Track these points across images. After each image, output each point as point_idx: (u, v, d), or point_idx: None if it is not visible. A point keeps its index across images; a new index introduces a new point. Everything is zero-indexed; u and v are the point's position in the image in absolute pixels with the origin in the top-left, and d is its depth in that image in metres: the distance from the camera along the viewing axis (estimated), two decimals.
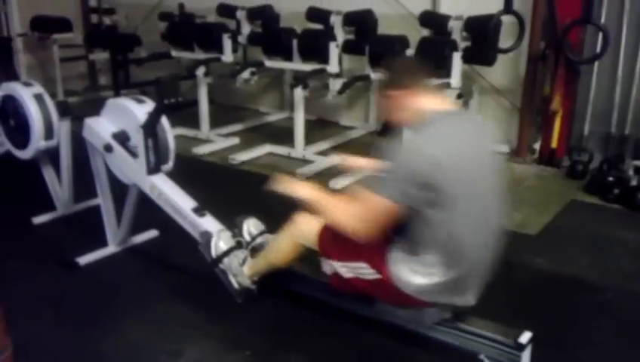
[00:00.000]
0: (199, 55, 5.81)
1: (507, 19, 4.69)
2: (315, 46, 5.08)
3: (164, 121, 3.07)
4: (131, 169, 3.00)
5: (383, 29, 5.28)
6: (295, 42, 5.16)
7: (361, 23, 5.34)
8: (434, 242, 1.99)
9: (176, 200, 2.89)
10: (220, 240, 2.76)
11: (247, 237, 2.85)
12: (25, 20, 7.09)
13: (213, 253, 2.74)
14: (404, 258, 2.09)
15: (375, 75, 4.88)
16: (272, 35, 5.60)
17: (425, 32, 5.04)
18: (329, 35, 5.21)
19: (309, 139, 5.29)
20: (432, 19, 5.08)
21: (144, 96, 3.15)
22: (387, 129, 2.29)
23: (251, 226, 2.90)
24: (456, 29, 4.88)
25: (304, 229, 2.38)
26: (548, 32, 4.78)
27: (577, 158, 4.79)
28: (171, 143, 3.12)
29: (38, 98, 3.45)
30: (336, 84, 5.02)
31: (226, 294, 2.71)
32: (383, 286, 2.14)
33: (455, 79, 4.48)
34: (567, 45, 4.58)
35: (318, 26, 5.46)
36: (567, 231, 3.75)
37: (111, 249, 3.32)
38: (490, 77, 5.30)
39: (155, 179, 2.95)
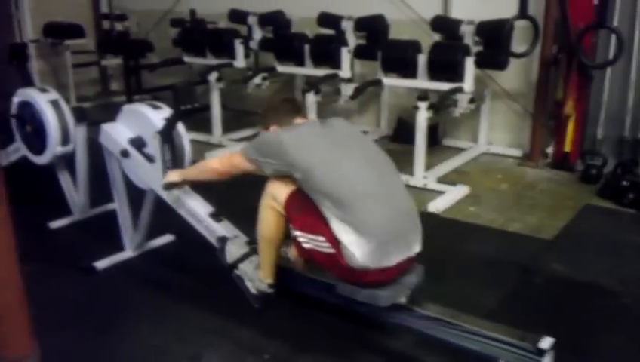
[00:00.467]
0: (211, 61, 5.85)
1: (518, 24, 4.69)
2: (327, 51, 5.10)
3: (181, 126, 3.09)
4: (148, 174, 3.02)
5: (395, 34, 5.29)
6: (307, 47, 5.18)
7: (373, 28, 5.35)
8: (322, 195, 2.29)
9: (193, 205, 2.91)
10: (235, 246, 2.78)
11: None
12: (37, 27, 7.16)
13: (229, 258, 2.75)
14: (335, 227, 2.26)
15: (387, 80, 4.88)
16: (283, 41, 5.62)
17: (436, 37, 5.05)
18: (341, 40, 5.22)
19: None
20: (443, 24, 5.09)
21: (160, 102, 3.17)
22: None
23: None
24: (468, 33, 4.89)
25: (274, 194, 2.50)
26: (560, 36, 4.78)
27: (591, 162, 4.77)
28: (187, 149, 3.13)
29: (55, 104, 3.48)
30: (348, 89, 5.03)
31: (243, 298, 2.72)
32: (335, 260, 2.27)
33: (468, 84, 4.48)
34: (581, 50, 4.57)
35: (330, 32, 5.47)
36: (582, 235, 3.74)
37: (128, 253, 3.33)
38: (502, 81, 5.30)
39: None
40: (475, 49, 4.80)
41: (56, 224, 3.75)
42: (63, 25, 7.08)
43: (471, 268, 3.26)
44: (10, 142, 3.83)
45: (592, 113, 4.98)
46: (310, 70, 5.28)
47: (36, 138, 3.54)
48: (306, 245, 2.37)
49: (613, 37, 4.55)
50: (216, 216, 2.88)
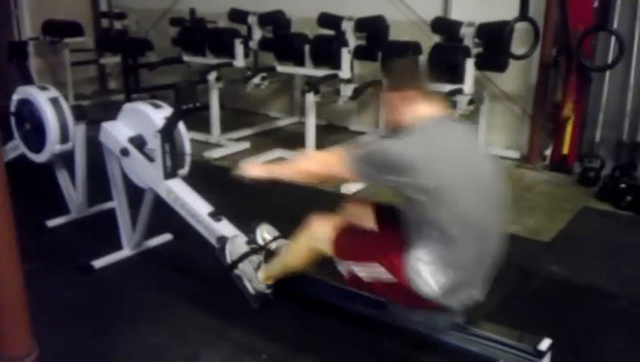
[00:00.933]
0: (211, 60, 5.84)
1: (518, 26, 4.69)
2: (327, 51, 5.09)
3: (181, 125, 3.09)
4: (147, 173, 3.01)
5: (395, 35, 5.28)
6: (307, 48, 5.18)
7: (373, 28, 5.34)
8: (431, 229, 2.05)
9: (193, 204, 2.91)
10: (236, 246, 2.78)
11: (261, 243, 2.86)
12: (36, 25, 7.15)
13: (229, 258, 2.75)
14: (415, 255, 2.10)
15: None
16: (283, 41, 5.62)
17: (436, 38, 5.05)
18: (341, 40, 5.22)
19: (319, 144, 5.29)
20: (444, 26, 5.09)
21: (161, 101, 3.17)
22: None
23: (265, 232, 2.92)
24: (468, 35, 4.89)
25: (319, 233, 2.40)
26: (560, 38, 4.79)
27: (589, 165, 4.78)
28: (187, 148, 3.13)
29: (54, 102, 3.47)
30: (347, 90, 5.03)
31: (241, 298, 2.72)
32: (398, 288, 2.15)
33: (468, 85, 4.48)
34: (581, 52, 4.58)
35: (330, 32, 5.47)
36: (580, 238, 3.75)
37: (126, 252, 3.33)
38: (501, 83, 5.30)
39: (172, 183, 2.97)
40: (475, 51, 4.81)
41: (54, 222, 3.74)
42: (62, 23, 7.07)
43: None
44: (9, 139, 3.82)
45: (590, 116, 4.99)
46: (310, 70, 5.28)
47: (35, 136, 3.53)
48: (363, 276, 2.24)
49: (613, 40, 4.56)
50: (215, 216, 2.87)
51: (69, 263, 3.21)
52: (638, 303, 2.95)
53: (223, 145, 5.63)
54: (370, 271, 2.22)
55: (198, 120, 5.12)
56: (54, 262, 3.26)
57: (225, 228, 2.85)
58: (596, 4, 4.66)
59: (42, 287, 2.93)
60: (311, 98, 4.97)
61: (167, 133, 2.92)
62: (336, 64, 5.03)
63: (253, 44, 5.91)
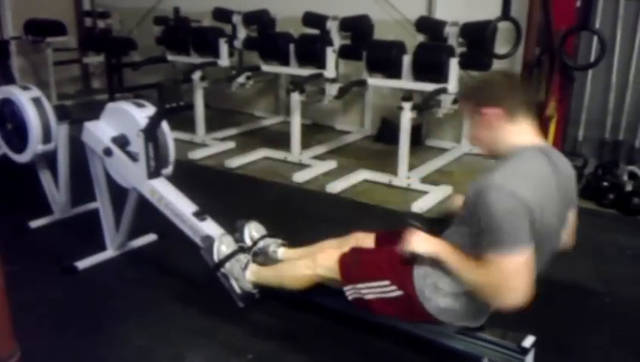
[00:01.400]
0: (195, 59, 5.81)
1: (502, 25, 4.73)
2: (312, 51, 5.09)
3: (165, 125, 3.07)
4: (131, 173, 2.99)
5: (379, 34, 5.30)
6: (292, 47, 5.18)
7: (358, 28, 5.35)
8: None
9: (177, 204, 2.89)
10: (222, 245, 2.76)
11: (248, 241, 2.85)
12: (18, 24, 7.07)
13: (215, 257, 2.73)
14: (431, 273, 2.07)
15: (372, 80, 4.89)
16: (268, 40, 5.61)
17: (420, 38, 5.07)
18: (326, 40, 5.22)
19: (305, 144, 5.31)
20: (428, 25, 5.12)
21: (144, 100, 3.15)
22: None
23: (253, 230, 2.91)
24: (452, 34, 4.92)
25: (327, 263, 2.38)
26: (543, 38, 4.82)
27: (572, 163, 4.81)
28: (171, 147, 3.11)
29: (36, 102, 3.43)
30: (332, 89, 5.03)
31: (227, 298, 2.71)
32: (405, 303, 2.12)
33: (452, 84, 4.50)
34: (563, 52, 4.62)
35: (315, 31, 5.47)
36: None
37: (109, 253, 3.30)
38: None
39: (156, 183, 2.94)
40: (459, 50, 4.83)
41: (36, 223, 3.69)
42: (45, 22, 7.01)
43: None
44: None
45: (573, 115, 5.04)
46: (295, 70, 5.27)
47: (17, 136, 3.49)
48: (369, 296, 2.21)
49: (596, 39, 4.61)
50: (200, 215, 2.86)
51: (52, 264, 3.18)
52: (621, 300, 2.98)
53: (208, 145, 5.61)
54: (376, 290, 2.19)
55: (183, 119, 5.10)
56: (37, 263, 3.23)
57: (209, 227, 2.84)
58: (578, 3, 4.70)
59: (25, 289, 2.90)
60: (296, 97, 4.97)
61: (151, 132, 2.90)
62: (321, 63, 5.03)
63: (237, 44, 5.89)
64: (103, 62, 7.24)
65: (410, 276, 2.11)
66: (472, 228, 1.92)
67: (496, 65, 4.91)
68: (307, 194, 4.42)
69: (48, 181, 3.71)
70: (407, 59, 4.63)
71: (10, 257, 2.57)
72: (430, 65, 4.58)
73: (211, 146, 5.57)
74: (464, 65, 4.76)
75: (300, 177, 4.67)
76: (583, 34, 4.79)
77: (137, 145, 2.93)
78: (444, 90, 4.55)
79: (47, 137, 3.44)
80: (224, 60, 5.64)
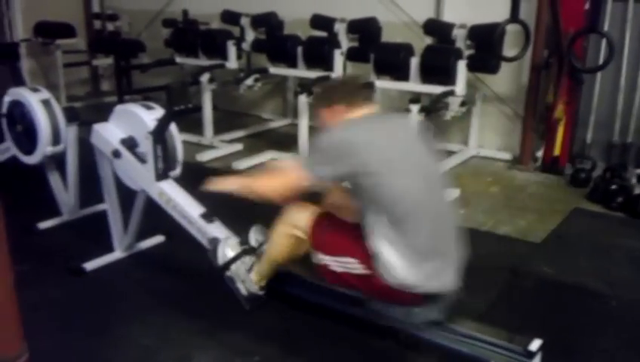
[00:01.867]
0: (203, 61, 5.83)
1: (509, 28, 4.72)
2: (320, 53, 5.10)
3: (173, 127, 3.08)
4: (139, 175, 3.01)
5: (387, 36, 5.30)
6: (300, 49, 5.19)
7: (365, 30, 5.36)
8: (382, 208, 2.13)
9: (185, 206, 2.90)
10: (228, 247, 2.76)
11: (254, 244, 2.86)
12: (28, 26, 7.12)
13: (221, 259, 2.74)
14: (377, 246, 2.16)
15: (379, 83, 4.89)
16: (276, 42, 5.62)
17: (428, 40, 5.07)
18: (334, 42, 5.23)
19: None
20: (436, 28, 5.11)
21: (153, 103, 3.17)
22: None
23: (257, 233, 2.91)
24: (460, 37, 4.91)
25: (296, 219, 2.42)
26: (551, 40, 4.81)
27: (580, 166, 4.81)
28: (179, 150, 3.13)
29: (46, 103, 3.46)
30: None
31: (233, 300, 2.71)
32: (371, 281, 2.20)
33: (459, 87, 4.50)
34: (572, 54, 4.61)
35: (322, 34, 5.48)
36: (571, 239, 3.77)
37: (117, 254, 3.32)
38: (493, 85, 5.32)
39: (164, 185, 2.96)
40: (466, 52, 4.83)
41: (45, 224, 3.73)
42: (54, 24, 7.04)
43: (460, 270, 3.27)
44: (0, 141, 3.81)
45: (581, 117, 5.03)
46: (303, 72, 5.29)
47: (26, 138, 3.52)
48: (337, 269, 2.27)
49: (604, 42, 4.59)
50: (207, 217, 2.87)
51: (60, 265, 3.20)
52: (627, 304, 2.97)
53: (216, 147, 5.62)
54: (344, 265, 2.26)
55: (191, 121, 5.12)
56: (45, 263, 3.25)
57: (217, 229, 2.85)
58: (587, 6, 4.69)
59: (33, 289, 2.93)
60: (304, 99, 4.98)
61: (159, 134, 2.91)
62: (329, 66, 5.04)
63: (245, 46, 5.91)
64: (112, 64, 7.27)
65: (373, 257, 2.18)
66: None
67: (505, 67, 4.90)
68: (315, 195, 4.42)
69: (57, 182, 3.73)
70: (414, 62, 4.63)
71: (19, 258, 2.60)
72: (438, 68, 4.58)
73: (219, 148, 5.58)
74: (472, 67, 4.76)
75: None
76: (592, 36, 4.77)
77: (146, 147, 2.94)
78: (451, 93, 4.55)
79: (56, 139, 3.46)
80: (232, 63, 5.66)
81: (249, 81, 5.52)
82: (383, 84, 4.92)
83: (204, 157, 5.31)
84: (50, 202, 3.76)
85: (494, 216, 4.09)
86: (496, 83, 5.29)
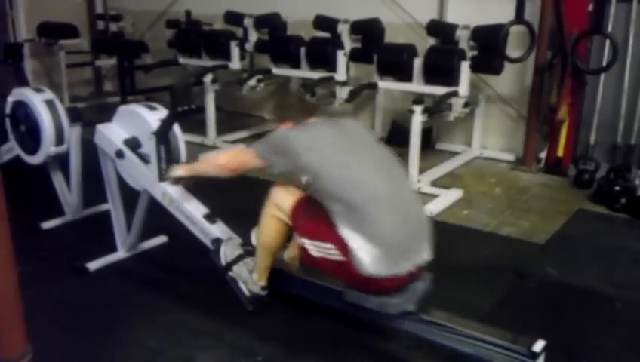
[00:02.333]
0: (206, 62, 5.84)
1: (513, 29, 4.71)
2: (322, 54, 5.11)
3: (176, 127, 3.09)
4: (143, 175, 3.01)
5: (390, 37, 5.30)
6: (303, 50, 5.19)
7: (368, 31, 5.36)
8: (332, 199, 2.27)
9: (188, 206, 2.90)
10: (230, 248, 2.78)
11: (255, 245, 2.86)
12: (32, 26, 7.13)
13: (224, 260, 2.75)
14: (343, 233, 2.23)
15: (382, 84, 4.89)
16: (279, 43, 5.63)
17: (431, 41, 5.07)
18: (337, 43, 5.23)
19: None
20: (439, 29, 5.11)
21: (156, 103, 3.17)
22: None
23: None
24: (463, 38, 4.91)
25: (279, 202, 2.50)
26: (554, 41, 4.81)
27: (583, 167, 4.80)
28: (183, 150, 3.13)
29: (49, 104, 3.47)
30: (343, 92, 5.04)
31: (236, 301, 2.72)
32: (346, 268, 2.24)
33: (463, 88, 4.50)
34: (575, 55, 4.60)
35: (325, 34, 5.48)
36: (575, 240, 3.76)
37: (120, 254, 3.32)
38: (496, 86, 5.32)
39: (167, 185, 2.96)
40: (470, 53, 4.82)
41: (48, 224, 3.73)
42: (58, 25, 7.06)
43: (464, 271, 3.27)
44: (4, 141, 3.81)
45: (585, 118, 5.02)
46: (306, 73, 5.29)
47: (30, 138, 3.53)
48: (314, 253, 2.34)
49: (608, 43, 4.59)
50: (210, 218, 2.87)
51: (63, 265, 3.21)
52: (632, 305, 2.96)
53: (219, 148, 5.62)
54: (322, 250, 2.30)
55: (194, 122, 5.11)
56: (49, 264, 3.25)
57: (220, 230, 2.85)
58: (591, 7, 4.68)
59: (37, 289, 2.93)
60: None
61: (162, 135, 2.91)
62: (332, 66, 5.05)
63: (249, 47, 5.92)
64: (115, 64, 7.29)
65: (346, 242, 2.23)
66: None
67: (508, 68, 4.90)
68: None
69: (60, 183, 3.74)
70: (418, 63, 4.63)
71: (22, 258, 2.62)
72: (441, 69, 4.58)
73: (222, 149, 5.58)
74: (476, 68, 4.76)
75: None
76: (595, 38, 4.76)
77: (149, 147, 2.95)
78: (455, 94, 4.55)
79: (59, 139, 3.47)
80: (235, 63, 5.67)
81: (252, 82, 5.52)
82: (385, 84, 4.92)
83: (209, 155, 5.30)
84: (54, 202, 3.76)
85: (498, 217, 4.08)
86: (499, 84, 5.28)
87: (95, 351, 2.54)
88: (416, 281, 2.35)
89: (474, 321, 2.35)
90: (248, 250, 2.80)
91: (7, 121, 3.64)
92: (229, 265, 2.73)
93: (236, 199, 3.90)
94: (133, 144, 3.03)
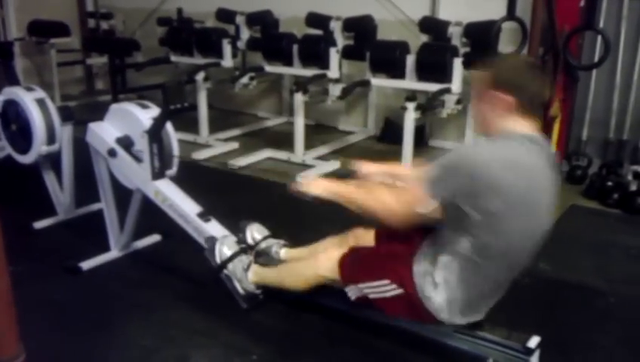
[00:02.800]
0: (198, 60, 5.82)
1: (505, 25, 4.71)
2: (315, 51, 5.09)
3: (169, 126, 3.07)
4: (135, 174, 2.99)
5: (382, 34, 5.30)
6: (295, 47, 5.18)
7: (361, 28, 5.36)
8: (466, 251, 1.97)
9: (181, 205, 2.89)
10: (225, 246, 2.77)
11: (250, 242, 2.86)
12: (22, 25, 7.08)
13: (218, 258, 2.74)
14: (430, 270, 2.09)
15: (375, 81, 4.89)
16: (272, 40, 5.61)
17: (424, 38, 5.07)
18: (329, 40, 5.22)
19: (309, 144, 5.30)
20: (432, 25, 5.11)
21: (148, 101, 3.15)
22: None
23: (255, 231, 2.91)
24: (456, 34, 4.91)
25: (328, 264, 2.36)
26: (546, 38, 4.81)
27: (576, 163, 4.82)
28: (175, 148, 3.11)
29: (40, 103, 3.44)
30: (335, 90, 5.03)
31: (230, 299, 2.71)
32: (406, 301, 2.14)
33: (456, 85, 4.50)
34: (567, 51, 4.61)
35: (318, 32, 5.47)
36: (568, 235, 3.76)
37: (113, 254, 3.30)
38: None
39: (160, 184, 2.95)
40: (462, 50, 4.83)
41: (40, 224, 3.70)
42: (48, 23, 7.01)
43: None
44: None
45: (577, 114, 5.04)
46: (298, 70, 5.27)
47: (21, 137, 3.50)
48: (372, 296, 2.23)
49: (600, 39, 4.60)
50: (204, 216, 2.86)
51: (56, 265, 3.18)
52: (626, 300, 2.98)
53: (212, 146, 5.61)
54: (377, 289, 2.21)
55: (186, 120, 5.09)
56: (41, 263, 3.23)
57: (214, 228, 2.84)
58: (582, 3, 4.69)
59: (29, 289, 2.91)
60: (299, 98, 4.97)
61: (155, 133, 2.90)
62: (324, 64, 5.03)
63: (241, 44, 5.90)
64: (107, 63, 7.24)
65: (410, 274, 2.12)
66: None
67: None
68: None
69: (52, 182, 3.71)
70: (410, 60, 4.63)
71: (14, 258, 2.60)
72: (434, 66, 4.58)
73: (215, 147, 5.57)
74: (468, 65, 4.75)
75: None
76: (587, 34, 4.78)
77: (142, 145, 2.93)
78: (447, 91, 4.55)
79: (51, 138, 3.44)
80: (227, 61, 5.65)
81: (244, 80, 5.50)
82: (378, 82, 4.91)
83: (200, 155, 5.30)
84: (46, 201, 3.73)
85: None
86: None
87: (89, 351, 2.52)
88: None
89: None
90: (243, 248, 2.79)
91: None
92: (224, 263, 2.72)
93: (225, 197, 3.90)
94: (126, 143, 3.01)
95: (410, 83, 4.68)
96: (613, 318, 2.83)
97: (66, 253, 3.29)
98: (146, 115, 2.98)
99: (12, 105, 3.48)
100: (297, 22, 5.65)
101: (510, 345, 2.12)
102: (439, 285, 2.08)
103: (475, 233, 1.91)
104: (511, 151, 1.90)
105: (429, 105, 4.59)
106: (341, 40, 5.40)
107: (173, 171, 3.12)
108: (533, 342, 2.10)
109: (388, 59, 4.77)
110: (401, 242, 2.27)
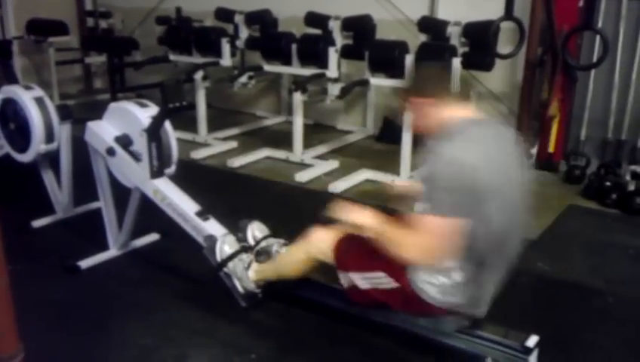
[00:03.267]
0: (197, 59, 5.81)
1: (503, 25, 4.72)
2: (314, 51, 5.08)
3: (168, 124, 3.07)
4: (134, 173, 2.99)
5: (381, 34, 5.29)
6: (294, 47, 5.17)
7: (360, 28, 5.35)
8: (461, 250, 1.97)
9: (180, 204, 2.89)
10: (225, 244, 2.77)
11: (251, 241, 2.86)
12: (21, 23, 7.06)
13: (218, 257, 2.74)
14: (424, 268, 2.09)
15: (374, 80, 4.89)
16: (270, 40, 5.60)
17: (423, 38, 5.07)
18: (328, 39, 5.22)
19: (307, 143, 5.30)
20: (430, 25, 5.11)
21: (147, 100, 3.15)
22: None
23: (255, 230, 2.91)
24: (454, 34, 4.91)
25: (319, 245, 2.39)
26: (545, 37, 4.82)
27: (574, 163, 4.82)
28: (174, 147, 3.11)
29: (39, 101, 3.44)
30: (334, 89, 5.02)
31: (230, 298, 2.71)
32: (401, 295, 2.15)
33: (454, 84, 4.49)
34: (566, 51, 4.62)
35: (317, 31, 5.47)
36: (566, 235, 3.78)
37: (112, 252, 3.30)
38: (487, 82, 5.33)
39: (159, 182, 2.95)
40: (461, 50, 4.83)
41: (39, 223, 3.70)
42: (47, 22, 7.00)
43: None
44: None
45: (576, 114, 5.04)
46: (297, 69, 5.27)
47: (20, 135, 3.49)
48: (364, 286, 2.25)
49: (598, 39, 4.60)
50: (203, 215, 2.86)
51: (55, 264, 3.18)
52: (624, 300, 2.98)
53: (210, 145, 5.61)
54: (371, 281, 2.22)
55: (185, 119, 5.09)
56: (40, 262, 3.23)
57: (212, 227, 2.84)
58: (581, 3, 4.70)
59: (28, 288, 2.89)
60: (298, 97, 4.97)
61: (154, 132, 2.90)
62: (323, 63, 5.02)
63: (240, 43, 5.90)
64: (105, 62, 7.23)
65: (404, 268, 2.12)
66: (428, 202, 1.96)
67: (499, 65, 4.90)
68: (309, 194, 4.42)
69: (51, 180, 3.71)
70: (409, 59, 4.62)
71: (13, 257, 2.60)
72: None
73: (213, 146, 5.57)
74: (467, 65, 4.76)
75: (302, 177, 4.67)
76: (586, 34, 4.78)
77: (140, 144, 2.93)
78: None
79: (49, 137, 3.44)
80: (226, 60, 5.64)
81: (243, 79, 5.50)
82: (377, 81, 4.91)
83: (199, 154, 5.30)
84: (44, 200, 3.74)
85: None
86: (490, 80, 5.29)
87: (88, 350, 2.52)
88: None
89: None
90: (243, 247, 2.79)
91: None
92: (224, 262, 2.72)
93: (223, 196, 3.90)
94: (125, 141, 3.01)
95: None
96: (612, 318, 2.84)
97: (65, 252, 3.29)
98: (144, 113, 2.98)
99: (10, 103, 3.47)
100: (296, 21, 5.64)
101: (509, 344, 2.12)
102: (434, 284, 2.09)
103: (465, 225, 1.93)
104: (478, 143, 2.00)
105: None
106: (340, 39, 5.40)
107: (172, 170, 3.12)
108: (532, 341, 2.11)
109: (387, 58, 4.77)
110: None
